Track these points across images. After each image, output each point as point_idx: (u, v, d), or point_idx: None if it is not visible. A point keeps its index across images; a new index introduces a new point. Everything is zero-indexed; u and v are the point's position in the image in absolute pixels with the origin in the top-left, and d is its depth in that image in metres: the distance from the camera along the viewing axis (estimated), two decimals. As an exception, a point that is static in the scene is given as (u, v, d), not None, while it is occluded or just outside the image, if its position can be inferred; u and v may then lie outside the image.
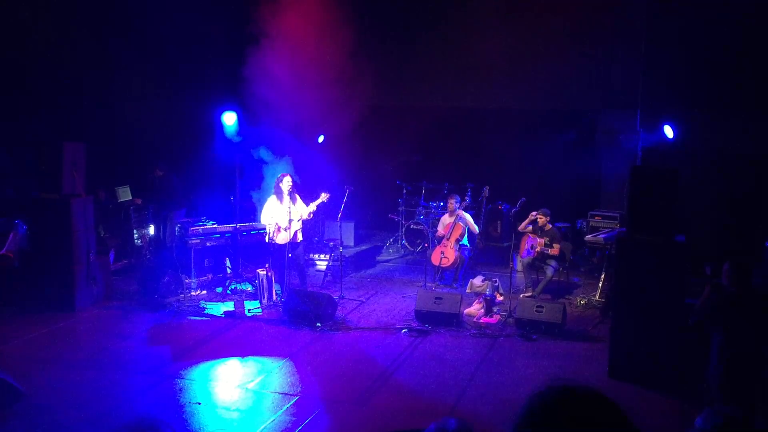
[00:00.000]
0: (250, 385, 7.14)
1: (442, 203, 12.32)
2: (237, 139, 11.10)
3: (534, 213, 10.33)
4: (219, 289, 10.51)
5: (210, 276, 10.77)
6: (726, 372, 5.54)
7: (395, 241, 13.53)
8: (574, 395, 1.42)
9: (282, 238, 9.86)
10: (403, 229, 13.21)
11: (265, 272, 9.88)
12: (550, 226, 10.40)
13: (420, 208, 13.01)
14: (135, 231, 12.17)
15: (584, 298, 10.21)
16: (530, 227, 10.44)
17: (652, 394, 6.87)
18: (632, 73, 12.21)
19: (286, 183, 9.83)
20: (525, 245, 10.44)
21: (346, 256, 11.58)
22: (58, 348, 8.17)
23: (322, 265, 11.70)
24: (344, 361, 7.88)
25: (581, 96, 13.00)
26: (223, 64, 12.59)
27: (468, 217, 11.09)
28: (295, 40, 11.07)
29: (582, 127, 12.86)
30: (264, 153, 11.04)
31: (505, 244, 12.10)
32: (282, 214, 9.80)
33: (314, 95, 10.99)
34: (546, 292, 10.30)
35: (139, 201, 12.33)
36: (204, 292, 10.40)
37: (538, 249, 10.23)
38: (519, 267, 10.86)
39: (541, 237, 10.30)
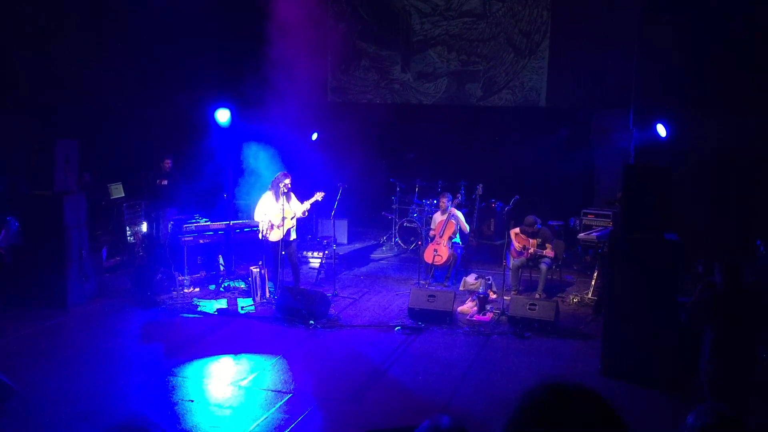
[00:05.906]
0: (243, 383, 7.13)
1: (435, 201, 12.31)
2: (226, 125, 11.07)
3: (514, 231, 10.39)
4: (212, 287, 10.49)
5: (203, 273, 10.75)
6: (718, 370, 5.56)
7: (389, 238, 13.51)
8: (566, 393, 1.42)
9: (275, 236, 9.83)
10: (397, 227, 13.20)
11: (258, 270, 9.85)
12: (541, 227, 10.40)
13: (413, 206, 12.99)
14: (128, 228, 12.13)
15: (577, 295, 10.23)
16: (518, 228, 10.44)
17: (644, 391, 6.90)
18: (625, 72, 12.23)
19: (285, 184, 9.78)
20: (517, 246, 10.41)
21: (340, 253, 11.56)
22: (49, 345, 8.14)
23: (315, 262, 11.68)
24: (337, 359, 7.88)
25: (574, 95, 13.02)
26: (217, 60, 12.55)
27: (460, 215, 11.09)
28: (290, 36, 11.05)
29: (575, 126, 12.88)
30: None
31: (498, 242, 12.11)
32: (276, 212, 9.76)
33: (308, 92, 10.96)
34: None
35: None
36: (197, 289, 10.37)
37: (531, 250, 10.23)
38: (512, 265, 10.87)
39: (533, 238, 10.31)
